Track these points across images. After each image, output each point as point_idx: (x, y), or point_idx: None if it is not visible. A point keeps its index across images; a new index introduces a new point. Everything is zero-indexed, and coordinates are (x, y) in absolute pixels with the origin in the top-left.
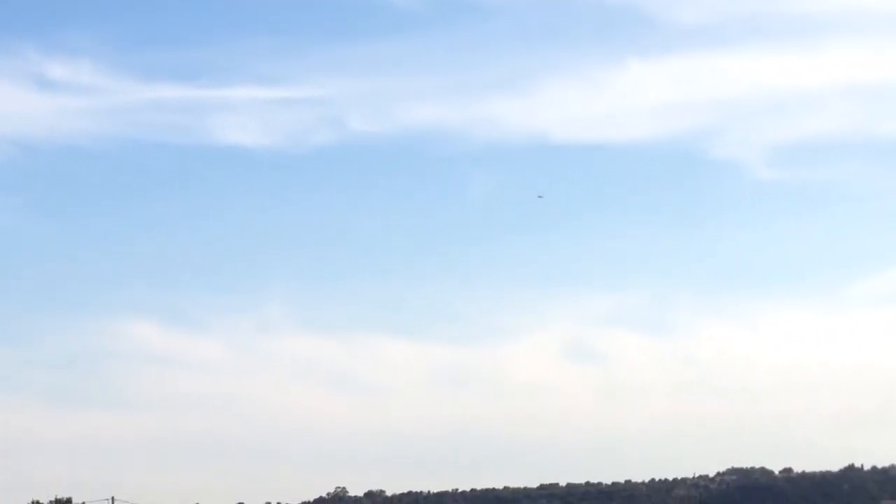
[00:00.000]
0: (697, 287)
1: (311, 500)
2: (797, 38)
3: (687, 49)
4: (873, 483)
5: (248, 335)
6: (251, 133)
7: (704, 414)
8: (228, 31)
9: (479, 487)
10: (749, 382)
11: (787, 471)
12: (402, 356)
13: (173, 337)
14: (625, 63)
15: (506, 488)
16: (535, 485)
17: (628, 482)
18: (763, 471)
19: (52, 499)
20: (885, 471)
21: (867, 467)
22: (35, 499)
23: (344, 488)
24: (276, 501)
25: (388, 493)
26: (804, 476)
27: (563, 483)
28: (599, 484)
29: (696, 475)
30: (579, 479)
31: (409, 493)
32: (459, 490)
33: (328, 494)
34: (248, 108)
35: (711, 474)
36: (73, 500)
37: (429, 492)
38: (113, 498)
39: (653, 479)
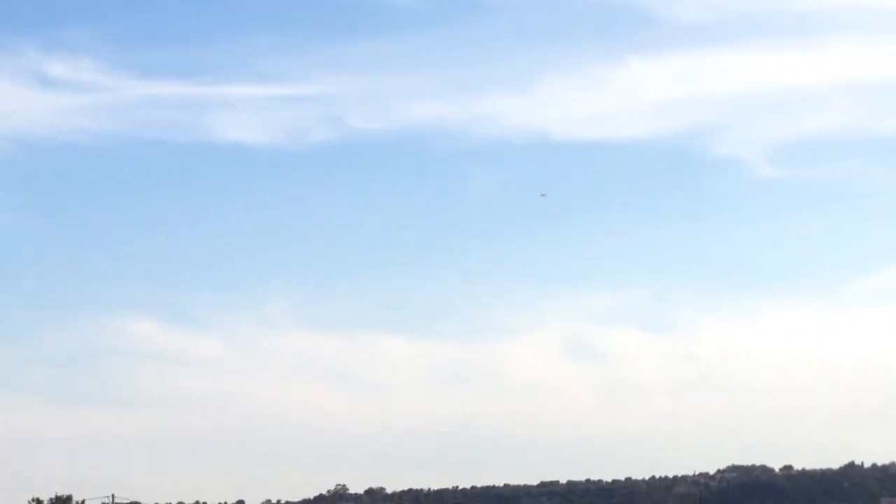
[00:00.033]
0: (698, 285)
1: (312, 497)
2: (798, 35)
3: (687, 47)
4: (874, 480)
5: (248, 333)
6: (251, 130)
7: (705, 411)
8: (228, 29)
9: (479, 485)
10: (750, 380)
11: (788, 468)
12: (402, 354)
13: (173, 334)
14: (625, 61)
15: (506, 486)
16: (535, 482)
17: (629, 480)
18: (763, 468)
19: (52, 496)
20: (885, 468)
21: (867, 465)
22: (35, 496)
23: (344, 486)
24: (277, 499)
25: (389, 490)
26: (804, 474)
27: (563, 481)
28: (600, 481)
29: (697, 473)
30: (580, 477)
31: (410, 490)
32: (460, 487)
33: (328, 492)
34: (249, 106)
35: (712, 472)
36: (74, 498)
37: (429, 489)
38: (113, 495)
39: (653, 477)
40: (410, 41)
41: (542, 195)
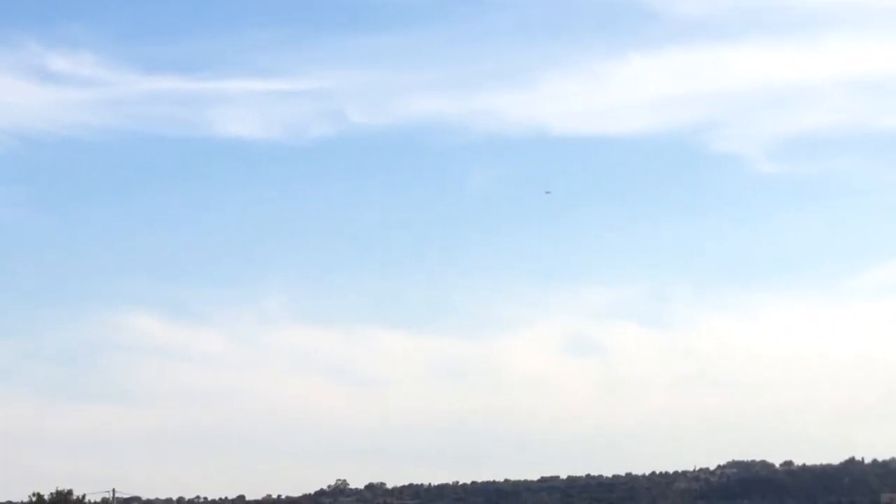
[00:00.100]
0: (697, 280)
1: (312, 492)
2: (798, 31)
3: (688, 42)
4: (874, 476)
5: (248, 328)
6: (251, 126)
7: (705, 407)
8: (228, 24)
9: (479, 480)
10: (749, 375)
11: (788, 464)
12: (401, 349)
13: (174, 330)
14: (625, 56)
15: (506, 481)
16: (535, 477)
17: (628, 475)
18: (763, 464)
19: (53, 491)
20: (885, 464)
21: (868, 460)
22: (36, 491)
23: (344, 481)
24: (277, 494)
25: (389, 485)
26: (805, 469)
27: (563, 476)
28: (600, 477)
29: (697, 468)
30: (579, 472)
31: (410, 485)
32: (460, 483)
33: (329, 487)
34: (248, 101)
35: (712, 467)
36: (74, 493)
37: (429, 484)
38: (114, 490)
39: (653, 472)
40: (410, 36)
41: (547, 192)
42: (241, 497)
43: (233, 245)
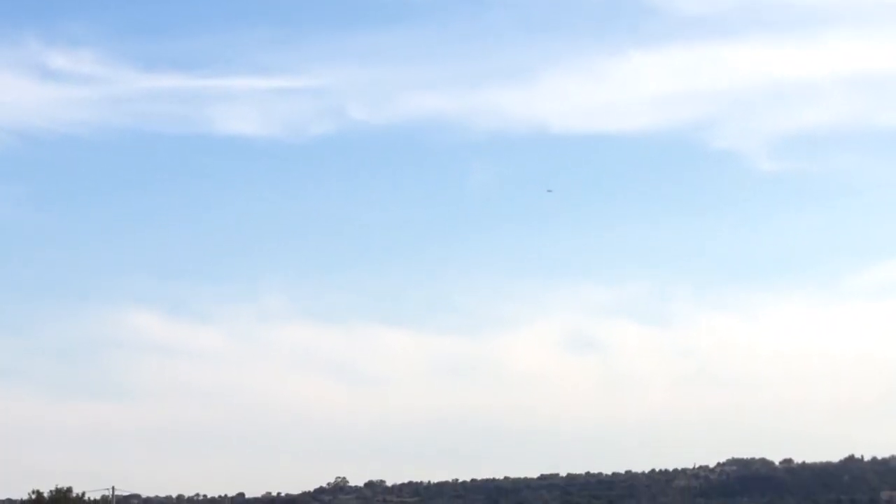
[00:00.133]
0: (697, 278)
1: (312, 490)
2: (798, 28)
3: (688, 39)
4: (873, 474)
5: (248, 325)
6: (251, 123)
7: (704, 404)
8: (228, 21)
9: (479, 478)
10: (749, 373)
11: (788, 461)
12: (401, 346)
13: (174, 327)
14: (626, 53)
15: (506, 478)
16: (535, 475)
17: (628, 472)
18: (763, 461)
19: (53, 488)
20: (885, 462)
21: (867, 458)
22: (35, 488)
23: (344, 478)
24: (277, 491)
25: (389, 483)
26: (804, 467)
27: (563, 473)
28: (599, 474)
29: (697, 466)
30: (579, 470)
31: (410, 483)
32: (460, 480)
33: (328, 484)
34: (249, 98)
35: (711, 465)
36: (74, 490)
37: (429, 482)
38: (113, 488)
39: (653, 470)
40: (411, 34)
41: (549, 191)
42: (241, 494)
43: (233, 242)
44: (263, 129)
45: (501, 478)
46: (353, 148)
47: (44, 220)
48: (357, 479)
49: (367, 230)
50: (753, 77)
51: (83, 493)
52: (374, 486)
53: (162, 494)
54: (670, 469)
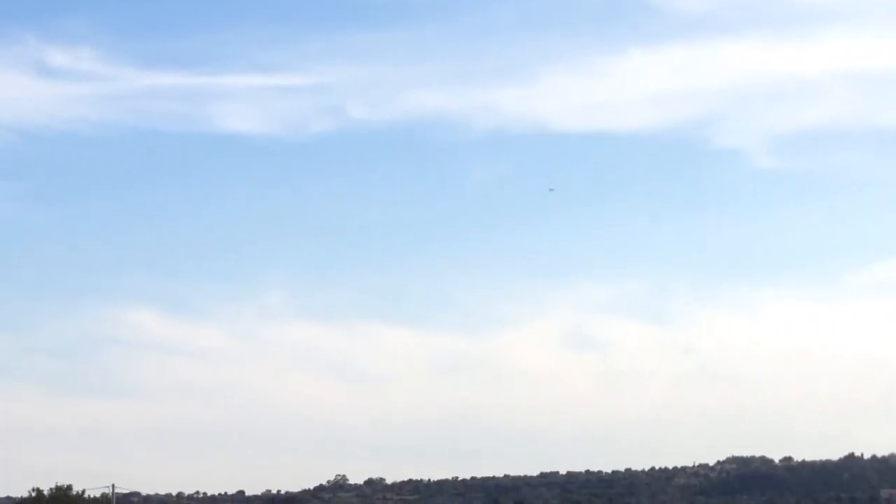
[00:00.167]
0: (697, 276)
1: (312, 487)
2: (798, 26)
3: (688, 38)
4: (873, 472)
5: (248, 323)
6: (251, 121)
7: (704, 402)
8: (228, 19)
9: (479, 476)
10: (749, 371)
11: (788, 459)
12: (402, 345)
13: (173, 325)
14: (626, 51)
15: (506, 476)
16: (534, 473)
17: (628, 471)
18: (763, 459)
19: (53, 486)
20: (885, 460)
21: (867, 456)
22: (35, 486)
23: (344, 476)
24: (277, 489)
25: (389, 481)
26: (804, 465)
27: (562, 471)
28: (599, 472)
29: (696, 464)
30: (579, 468)
31: (410, 481)
32: (459, 478)
33: (328, 482)
34: (248, 96)
35: (711, 463)
36: (74, 488)
37: (429, 480)
38: (113, 486)
39: (653, 468)
40: (410, 32)
41: (551, 189)
42: (241, 492)
43: (233, 240)
44: (263, 127)
45: (501, 476)
46: (353, 146)
47: (43, 217)
48: (357, 477)
49: (366, 228)
50: (753, 75)
51: (83, 491)
52: (374, 484)
53: (162, 492)
54: (670, 467)
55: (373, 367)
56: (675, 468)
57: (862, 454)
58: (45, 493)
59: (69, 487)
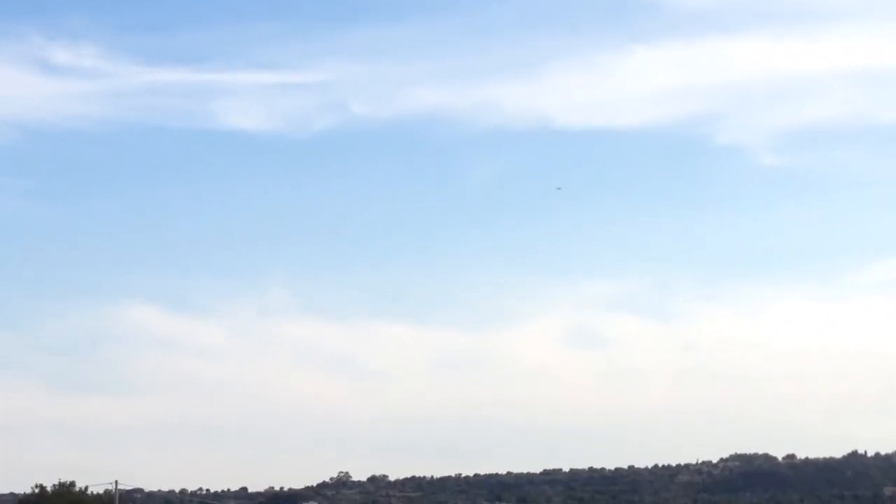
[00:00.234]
0: (700, 273)
1: (314, 484)
2: (801, 23)
3: (690, 35)
4: (876, 470)
5: (250, 319)
6: (253, 118)
7: (707, 400)
8: (231, 16)
9: (481, 473)
10: (752, 368)
11: (791, 457)
12: (404, 342)
13: (175, 321)
14: (628, 48)
15: (508, 473)
16: (538, 470)
17: (631, 468)
18: (766, 457)
19: (56, 483)
20: (888, 457)
21: (870, 454)
22: (38, 483)
23: (347, 473)
24: (279, 486)
25: (392, 477)
26: (807, 462)
27: (565, 469)
28: (602, 469)
29: (699, 461)
30: (582, 465)
31: (412, 478)
32: (462, 475)
33: (331, 479)
34: (251, 93)
35: (714, 460)
36: (77, 485)
37: (432, 477)
38: (116, 482)
39: (656, 465)
40: (413, 28)
41: (558, 188)
42: (244, 489)
43: (235, 237)
44: (266, 124)
45: (504, 473)
46: (356, 143)
47: (46, 214)
48: (360, 474)
49: (369, 225)
50: (756, 72)
51: (86, 488)
52: (376, 481)
53: (165, 489)
54: (673, 464)
55: (375, 364)
56: (678, 465)
57: (865, 452)
58: (48, 489)
59: (72, 484)
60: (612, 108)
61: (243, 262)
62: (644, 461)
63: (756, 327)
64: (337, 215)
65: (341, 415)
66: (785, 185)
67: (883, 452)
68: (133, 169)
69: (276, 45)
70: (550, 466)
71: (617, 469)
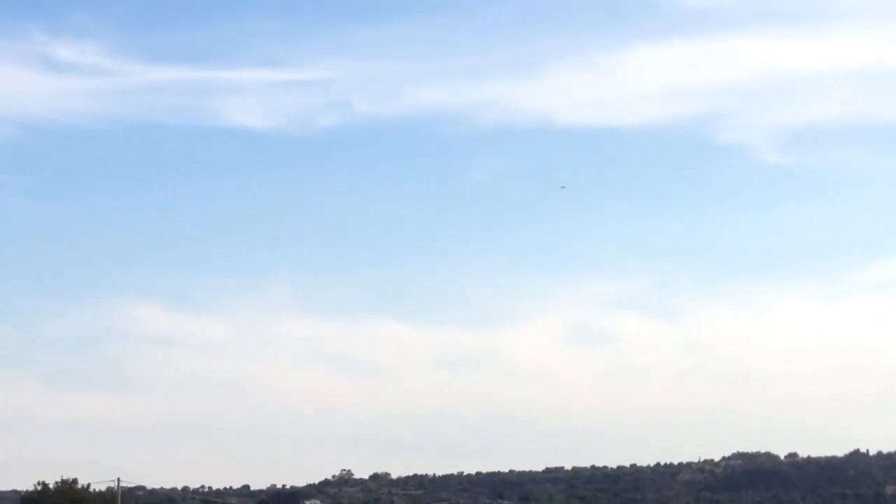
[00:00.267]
0: (702, 271)
1: (317, 482)
2: (804, 22)
3: (693, 33)
4: (878, 468)
5: (252, 317)
6: (257, 115)
7: (709, 398)
8: (234, 14)
9: (484, 471)
10: (754, 367)
11: (793, 456)
12: (406, 339)
13: (178, 318)
14: (631, 47)
15: (511, 472)
16: (540, 468)
17: (633, 466)
18: (768, 455)
19: (58, 480)
20: (890, 456)
21: (872, 452)
22: (41, 480)
23: (349, 471)
24: (282, 484)
25: (394, 475)
26: (809, 461)
27: (568, 467)
28: (605, 468)
29: (701, 460)
30: (584, 463)
31: (415, 475)
32: (465, 473)
33: (333, 477)
34: (254, 91)
35: (716, 459)
36: (79, 482)
37: (434, 474)
38: (119, 479)
39: (658, 464)
40: (416, 27)
41: (563, 187)
42: (246, 486)
43: (238, 234)
44: (269, 122)
45: (506, 471)
46: (359, 141)
47: (48, 211)
48: (362, 472)
49: (370, 223)
50: (759, 71)
51: (88, 485)
52: (379, 479)
53: (167, 486)
54: (675, 463)
55: (378, 362)
56: (680, 464)
57: (867, 450)
58: (51, 486)
59: (74, 481)
60: (613, 107)
61: (245, 259)
62: (646, 459)
63: (757, 326)
64: (339, 213)
65: (343, 413)
66: (786, 185)
67: (885, 451)
68: (135, 166)
69: (279, 42)
70: (552, 465)
71: (619, 467)
